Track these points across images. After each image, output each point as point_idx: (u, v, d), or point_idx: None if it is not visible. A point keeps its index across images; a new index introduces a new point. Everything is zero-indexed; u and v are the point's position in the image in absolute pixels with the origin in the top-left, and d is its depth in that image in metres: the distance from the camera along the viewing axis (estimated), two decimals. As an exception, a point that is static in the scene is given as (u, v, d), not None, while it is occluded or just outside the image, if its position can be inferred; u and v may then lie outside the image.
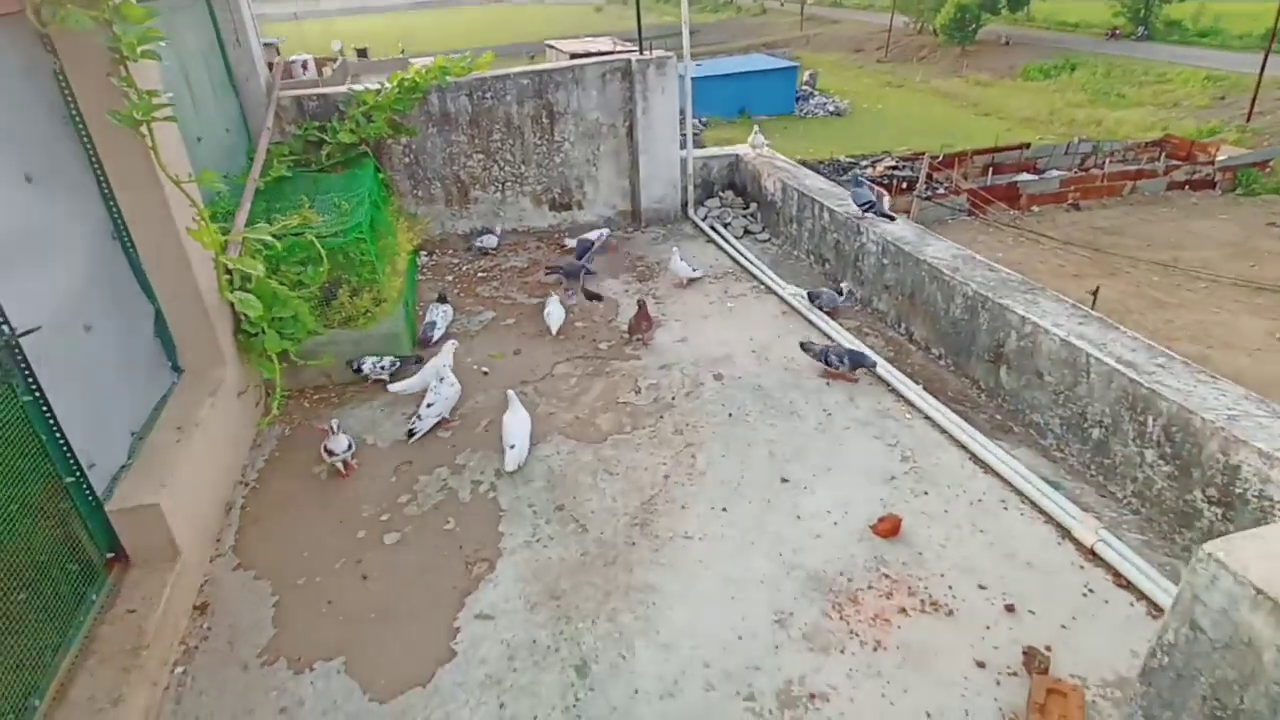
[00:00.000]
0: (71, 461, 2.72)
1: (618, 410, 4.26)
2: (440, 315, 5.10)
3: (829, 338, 5.02)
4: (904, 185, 26.77)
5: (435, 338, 4.94)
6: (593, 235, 6.20)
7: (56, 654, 2.50)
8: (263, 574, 3.21)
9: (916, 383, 4.46)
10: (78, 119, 3.19)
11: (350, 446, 3.79)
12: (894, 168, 28.82)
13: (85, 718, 2.38)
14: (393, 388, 4.34)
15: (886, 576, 3.08)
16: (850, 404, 4.32)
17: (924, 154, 27.51)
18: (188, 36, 4.80)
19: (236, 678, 2.73)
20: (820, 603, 2.97)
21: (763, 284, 5.84)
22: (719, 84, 35.59)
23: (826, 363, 4.53)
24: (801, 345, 4.66)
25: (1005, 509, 3.41)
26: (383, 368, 4.44)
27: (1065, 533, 3.23)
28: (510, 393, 4.01)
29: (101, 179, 3.32)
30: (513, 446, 3.76)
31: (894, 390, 4.43)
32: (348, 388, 4.55)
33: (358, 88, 5.70)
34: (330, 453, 3.71)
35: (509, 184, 6.44)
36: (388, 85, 5.69)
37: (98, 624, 2.68)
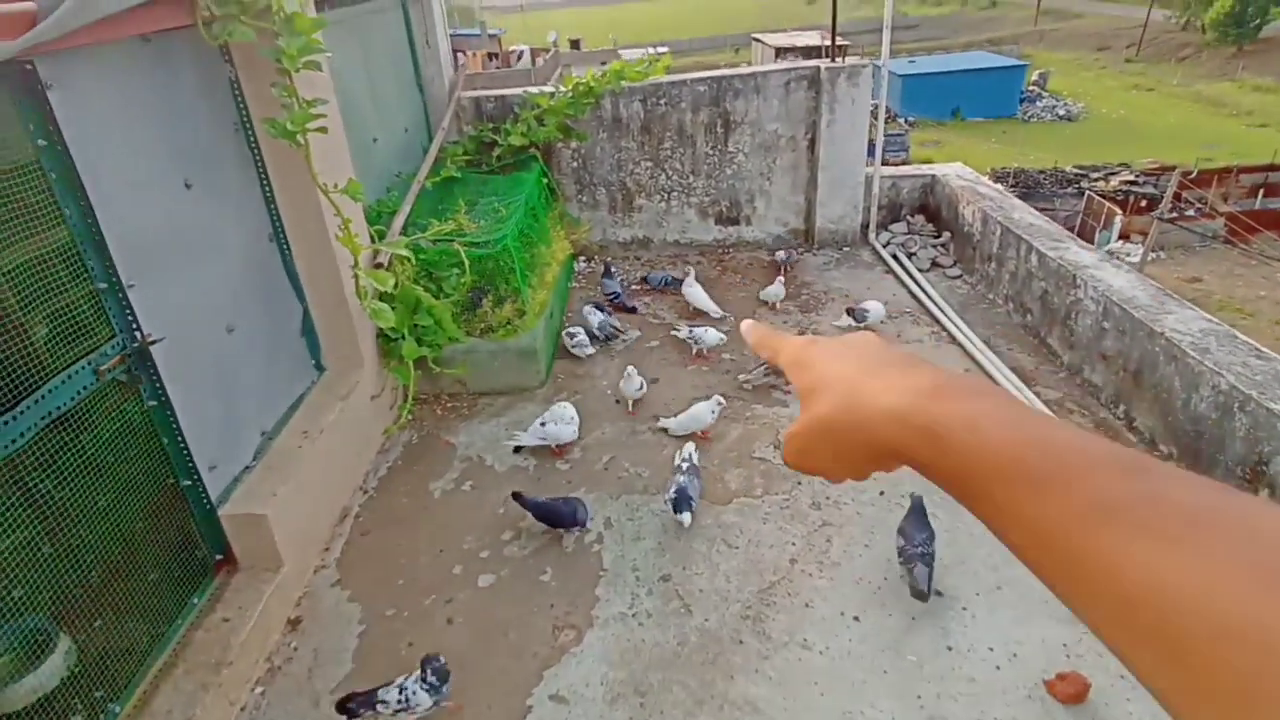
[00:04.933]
0: (190, 465, 2.77)
1: (750, 467, 3.80)
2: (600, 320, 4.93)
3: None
4: (1142, 204, 23.13)
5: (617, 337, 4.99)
6: (780, 254, 5.79)
7: (148, 659, 2.54)
8: (357, 596, 3.15)
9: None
10: (248, 126, 3.28)
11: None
12: (1131, 182, 25.03)
13: (161, 730, 2.39)
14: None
15: (1056, 761, 2.40)
16: (1036, 500, 3.54)
17: (1174, 168, 23.58)
18: (379, 37, 4.93)
19: (306, 714, 2.66)
20: (960, 777, 2.37)
21: (945, 330, 5.06)
22: (929, 82, 32.95)
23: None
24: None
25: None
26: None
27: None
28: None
29: (265, 183, 3.41)
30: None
31: (1098, 490, 3.58)
32: (479, 398, 4.48)
33: (533, 90, 5.63)
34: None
35: (675, 194, 6.11)
36: (563, 89, 5.56)
37: (193, 629, 2.72)
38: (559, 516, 3.26)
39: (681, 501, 3.29)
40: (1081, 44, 48.70)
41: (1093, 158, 27.98)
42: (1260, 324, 16.64)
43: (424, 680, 2.46)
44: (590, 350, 4.76)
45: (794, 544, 3.33)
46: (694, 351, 4.73)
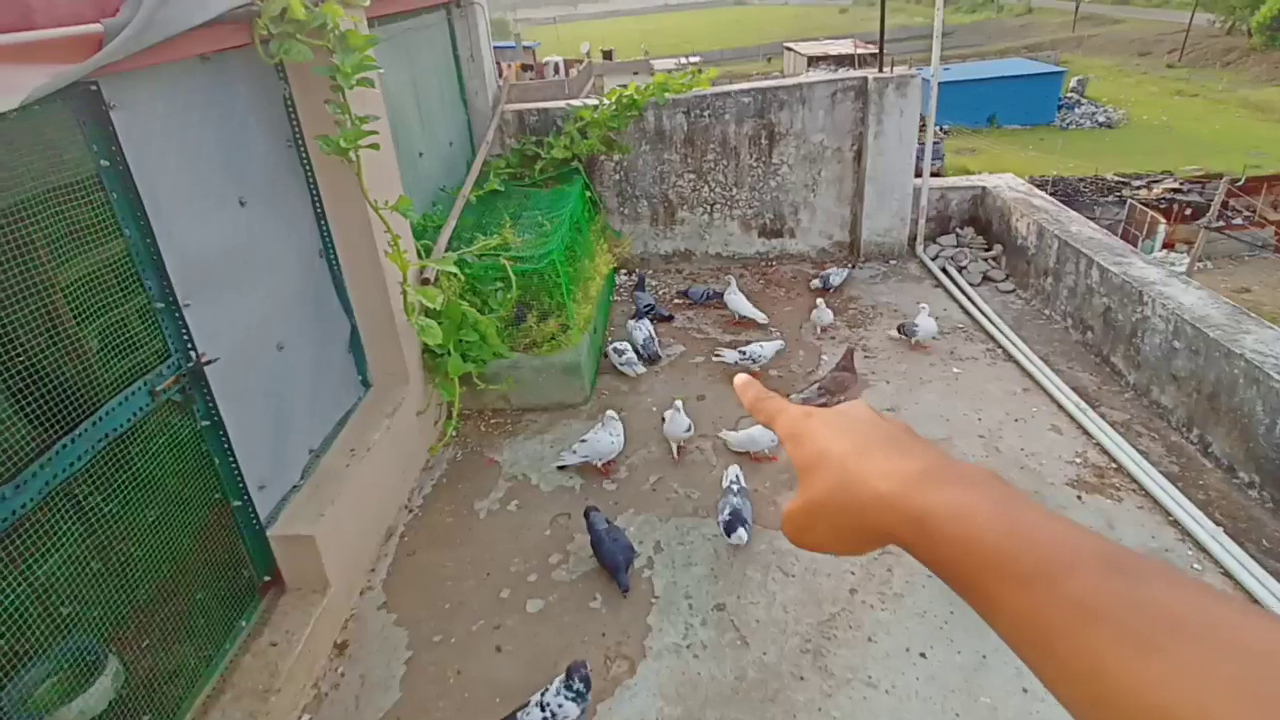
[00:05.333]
0: (241, 485, 2.74)
1: (803, 490, 3.67)
2: (643, 333, 4.85)
3: (1083, 430, 4.02)
4: (1187, 212, 22.43)
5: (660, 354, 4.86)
6: (833, 276, 5.63)
7: (195, 684, 2.50)
8: (403, 620, 3.09)
9: (1211, 516, 3.39)
10: (300, 142, 3.26)
11: (690, 429, 3.82)
12: (1176, 190, 24.33)
13: (211, 760, 2.34)
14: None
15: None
16: (1109, 530, 3.38)
17: (1221, 176, 22.85)
18: (424, 52, 4.94)
19: (353, 746, 2.60)
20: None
21: (1000, 348, 4.89)
22: (964, 90, 32.45)
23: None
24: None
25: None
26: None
27: None
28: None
29: (316, 199, 3.39)
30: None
31: (1175, 521, 3.40)
32: (523, 414, 4.42)
33: (575, 103, 5.59)
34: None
35: (718, 206, 6.02)
36: (605, 101, 5.51)
37: (241, 653, 2.68)
38: (612, 561, 3.15)
39: (736, 522, 3.19)
40: (1122, 50, 47.73)
41: (1134, 165, 27.32)
42: (1317, 338, 15.96)
43: (569, 688, 2.37)
44: (640, 369, 4.66)
45: (853, 573, 3.20)
46: (752, 371, 4.61)
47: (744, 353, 4.55)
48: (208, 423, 2.60)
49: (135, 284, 2.36)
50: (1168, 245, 21.25)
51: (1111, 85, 40.36)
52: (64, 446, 2.03)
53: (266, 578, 2.91)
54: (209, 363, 2.54)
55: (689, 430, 3.88)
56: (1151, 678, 0.32)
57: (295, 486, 3.12)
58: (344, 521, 3.11)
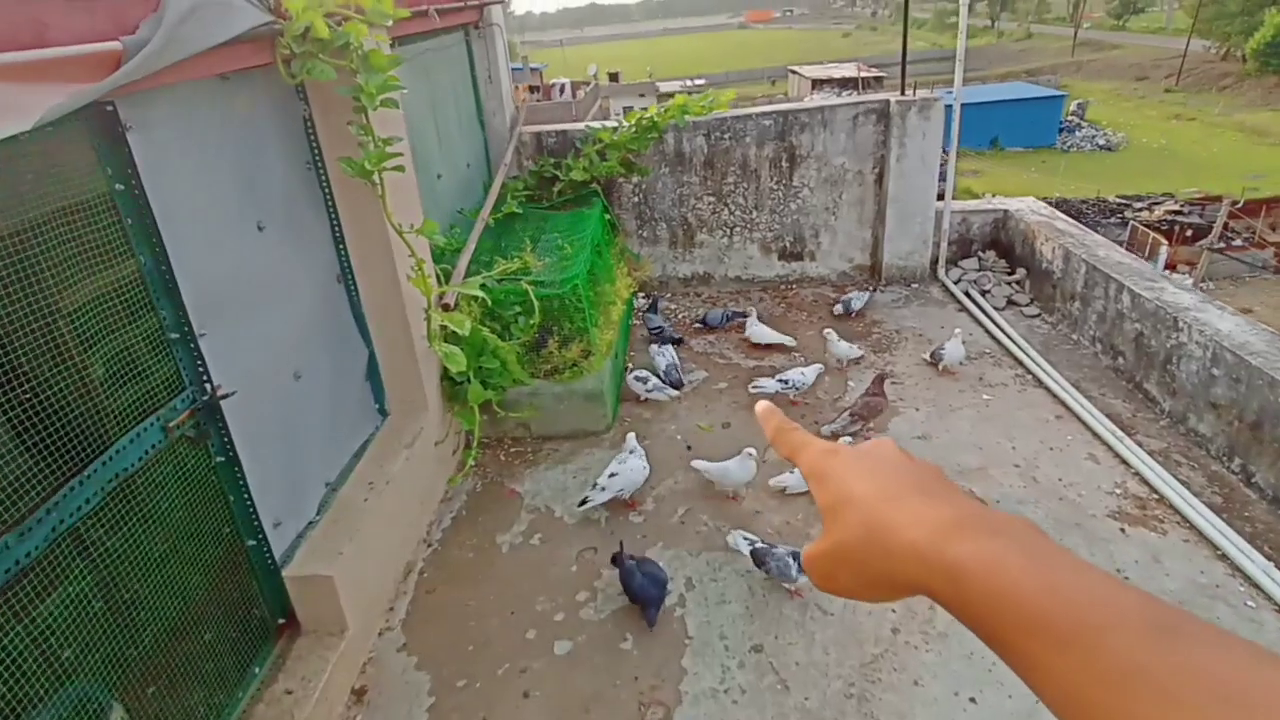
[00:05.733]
0: (255, 523, 2.60)
1: (838, 524, 3.52)
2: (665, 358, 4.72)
3: (1120, 459, 3.88)
4: (1188, 233, 22.42)
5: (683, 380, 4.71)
6: (854, 300, 5.52)
7: (209, 740, 2.34)
8: (425, 663, 2.93)
9: (1260, 550, 3.24)
10: (320, 164, 3.17)
11: (755, 471, 3.57)
12: (1177, 212, 24.34)
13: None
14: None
15: None
16: (1156, 565, 3.23)
17: (1221, 198, 22.88)
18: (443, 74, 4.87)
19: (376, 802, 2.43)
20: None
21: (1030, 373, 4.76)
22: (968, 112, 32.16)
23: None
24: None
25: None
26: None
27: None
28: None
29: (335, 222, 3.29)
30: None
31: (1223, 555, 3.26)
32: (544, 443, 4.28)
33: (595, 125, 5.52)
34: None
35: (738, 229, 5.93)
36: (625, 124, 5.44)
37: (255, 701, 2.52)
38: (644, 594, 3.00)
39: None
40: (1120, 74, 48.12)
41: (1135, 187, 27.34)
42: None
43: None
44: (672, 393, 4.50)
45: (894, 610, 3.04)
46: (790, 399, 4.47)
47: (785, 380, 4.36)
48: (222, 459, 2.46)
49: (149, 314, 2.24)
50: (1169, 266, 21.20)
51: (1111, 109, 40.60)
52: (72, 489, 1.89)
53: (281, 620, 2.76)
54: (225, 396, 2.41)
55: (754, 474, 3.61)
56: None
57: (311, 522, 2.97)
58: (362, 559, 2.96)
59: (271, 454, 2.74)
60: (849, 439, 3.87)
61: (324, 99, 3.07)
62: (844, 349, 4.81)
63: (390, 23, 3.11)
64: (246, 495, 2.55)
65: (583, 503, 3.59)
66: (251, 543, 2.59)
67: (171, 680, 2.28)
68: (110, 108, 2.12)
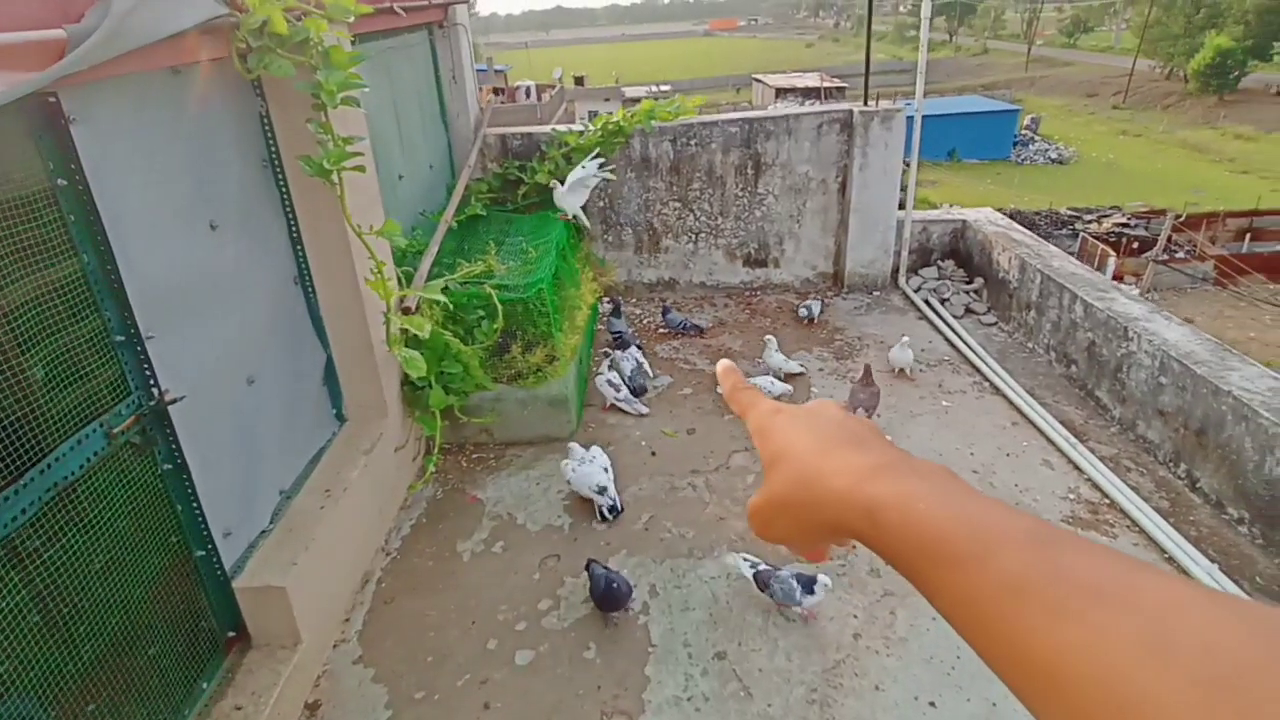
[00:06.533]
0: (204, 533, 2.50)
1: (801, 530, 3.54)
2: (631, 363, 4.68)
3: (1074, 465, 3.98)
4: (1134, 246, 23.30)
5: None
6: (814, 306, 5.55)
7: (153, 759, 2.24)
8: (381, 675, 2.86)
9: (1204, 553, 3.36)
10: (277, 163, 3.08)
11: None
12: (1124, 224, 25.27)
13: None
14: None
15: None
16: (1109, 569, 3.31)
17: (1165, 211, 23.82)
18: (405, 73, 4.79)
19: (329, 822, 2.36)
20: None
21: (987, 381, 4.86)
22: (926, 124, 33.16)
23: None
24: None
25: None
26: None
27: None
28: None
29: (292, 222, 3.20)
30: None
31: (1170, 558, 3.36)
32: (507, 449, 4.22)
33: (561, 128, 5.48)
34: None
35: (703, 235, 5.95)
36: (591, 127, 5.42)
37: (202, 718, 2.42)
38: (616, 601, 2.98)
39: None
40: (1071, 90, 49.78)
41: (1085, 200, 28.30)
42: (1259, 367, 16.59)
43: None
44: (643, 409, 4.47)
45: (856, 616, 3.07)
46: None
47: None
48: (169, 466, 2.37)
49: (93, 316, 2.14)
50: (1117, 277, 21.97)
51: (1062, 124, 41.96)
52: (6, 499, 1.80)
53: (231, 633, 2.66)
54: (173, 401, 2.31)
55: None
56: (1069, 644, 0.32)
57: (264, 531, 2.88)
58: (317, 569, 2.87)
59: (222, 461, 2.64)
60: None
61: (282, 95, 2.98)
62: (779, 360, 4.75)
63: (352, 18, 3.04)
64: (195, 504, 2.45)
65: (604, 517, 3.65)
66: (200, 553, 2.50)
67: (114, 697, 2.18)
68: (53, 99, 2.02)
